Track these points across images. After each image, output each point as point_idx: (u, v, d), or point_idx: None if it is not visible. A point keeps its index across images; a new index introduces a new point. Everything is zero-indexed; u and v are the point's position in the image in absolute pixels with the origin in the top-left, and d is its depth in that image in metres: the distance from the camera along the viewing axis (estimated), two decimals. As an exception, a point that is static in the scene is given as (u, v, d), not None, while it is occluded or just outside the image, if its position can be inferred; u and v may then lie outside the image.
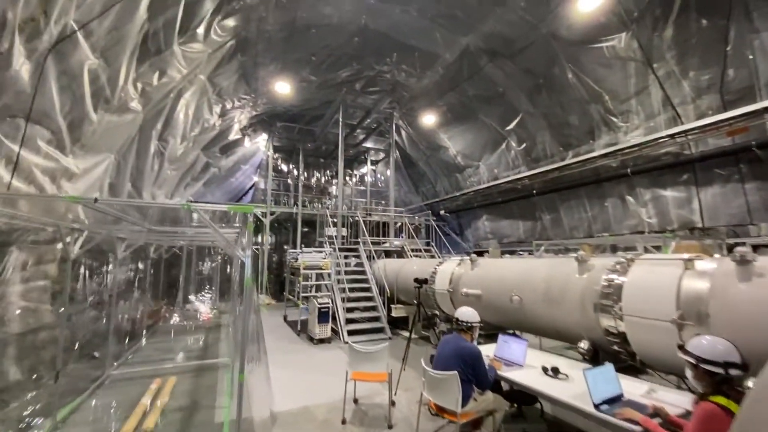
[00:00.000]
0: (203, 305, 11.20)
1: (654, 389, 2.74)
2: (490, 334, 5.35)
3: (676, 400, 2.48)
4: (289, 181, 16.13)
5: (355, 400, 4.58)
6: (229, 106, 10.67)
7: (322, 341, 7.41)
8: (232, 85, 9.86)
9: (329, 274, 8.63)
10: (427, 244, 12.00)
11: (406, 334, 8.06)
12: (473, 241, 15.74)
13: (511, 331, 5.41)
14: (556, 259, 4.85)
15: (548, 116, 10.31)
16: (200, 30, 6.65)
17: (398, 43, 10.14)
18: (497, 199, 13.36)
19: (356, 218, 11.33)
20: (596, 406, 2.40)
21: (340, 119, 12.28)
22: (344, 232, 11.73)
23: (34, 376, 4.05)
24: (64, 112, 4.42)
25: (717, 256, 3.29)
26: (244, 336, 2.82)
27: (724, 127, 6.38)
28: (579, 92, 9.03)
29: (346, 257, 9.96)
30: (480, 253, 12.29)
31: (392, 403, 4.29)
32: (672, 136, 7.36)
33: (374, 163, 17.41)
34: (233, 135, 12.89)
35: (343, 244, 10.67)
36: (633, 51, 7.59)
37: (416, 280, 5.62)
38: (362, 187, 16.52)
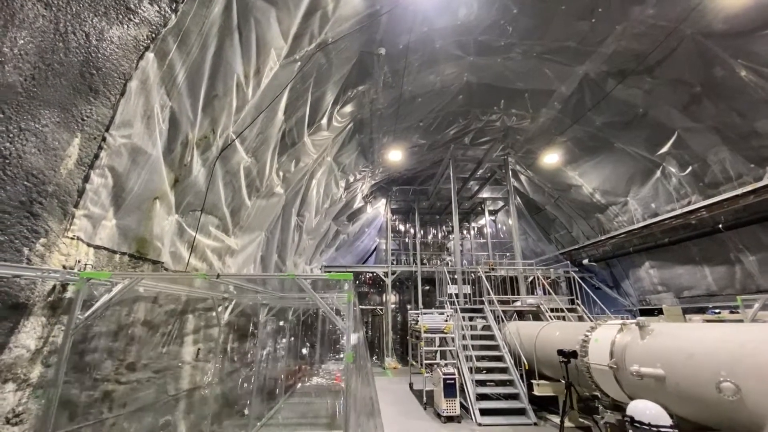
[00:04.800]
0: (334, 366, 11.63)
1: None
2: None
3: None
4: (407, 240, 16.50)
5: None
6: (351, 179, 11.95)
7: (450, 419, 6.52)
8: (353, 161, 11.10)
9: (453, 339, 7.89)
10: (571, 302, 10.04)
11: (556, 419, 6.45)
12: (636, 296, 12.55)
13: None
14: (795, 326, 3.19)
15: (721, 128, 8.02)
16: (324, 121, 7.83)
17: (504, 90, 9.90)
18: (663, 239, 10.59)
19: (478, 274, 10.47)
20: None
21: (452, 174, 12.25)
22: (467, 289, 10.92)
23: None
24: (227, 202, 5.55)
25: None
26: (348, 414, 2.56)
27: None
28: (764, 90, 6.80)
29: (470, 318, 9.07)
30: (649, 312, 9.53)
31: None
32: None
33: (493, 213, 16.45)
34: (357, 203, 14.24)
35: (466, 303, 9.86)
36: None
37: (561, 352, 4.50)
38: (482, 240, 15.57)
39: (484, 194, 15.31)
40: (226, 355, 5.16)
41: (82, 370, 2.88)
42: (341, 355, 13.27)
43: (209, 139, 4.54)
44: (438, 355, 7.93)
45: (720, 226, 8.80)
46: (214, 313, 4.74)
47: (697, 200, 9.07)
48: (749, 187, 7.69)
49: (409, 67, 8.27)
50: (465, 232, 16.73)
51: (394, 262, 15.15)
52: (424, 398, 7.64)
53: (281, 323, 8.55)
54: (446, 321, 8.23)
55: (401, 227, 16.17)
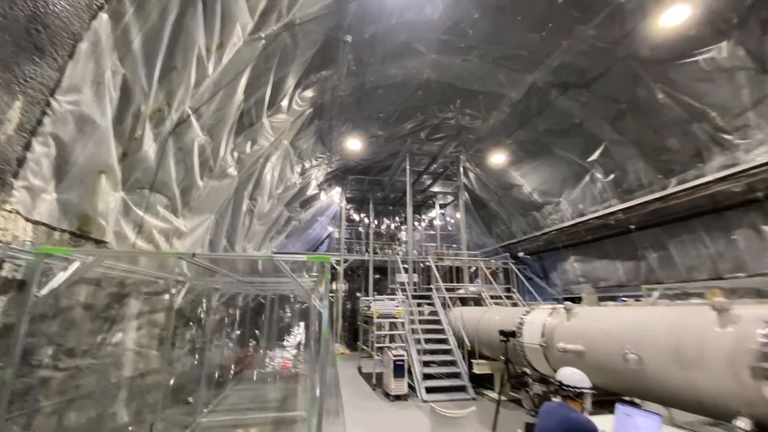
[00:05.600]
0: (284, 353, 11.54)
1: None
2: (598, 401, 4.42)
3: None
4: (361, 229, 16.69)
5: (440, 474, 4.01)
6: (307, 165, 11.73)
7: (398, 398, 6.92)
8: (310, 147, 10.91)
9: (403, 323, 8.30)
10: (508, 290, 11.02)
11: (492, 394, 7.16)
12: (561, 286, 14.08)
13: (628, 399, 4.42)
14: (684, 308, 3.94)
15: (639, 142, 9.25)
16: (284, 103, 7.60)
17: (461, 90, 10.36)
18: (586, 237, 11.99)
19: (427, 263, 11.02)
20: None
21: (407, 167, 12.61)
22: (416, 278, 11.44)
23: (138, 419, 4.40)
24: (178, 181, 5.22)
25: None
26: (322, 395, 2.70)
27: None
28: (675, 112, 8.00)
29: (419, 305, 9.56)
30: (571, 300, 10.83)
31: (485, 482, 3.66)
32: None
33: (443, 206, 17.24)
34: (311, 190, 14.02)
35: (415, 290, 10.34)
36: (740, 59, 6.58)
37: (502, 332, 5.03)
38: (432, 232, 16.29)
39: (436, 188, 15.97)
40: (173, 340, 4.93)
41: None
42: (290, 342, 13.17)
43: (163, 113, 4.24)
44: (388, 339, 8.28)
45: (632, 227, 10.21)
46: (164, 297, 4.50)
47: (616, 204, 10.40)
48: (656, 195, 9.01)
49: (373, 57, 8.32)
50: (416, 223, 17.33)
51: (347, 251, 15.25)
52: (374, 380, 7.97)
53: (231, 309, 8.28)
54: (397, 307, 8.60)
55: (355, 216, 16.28)
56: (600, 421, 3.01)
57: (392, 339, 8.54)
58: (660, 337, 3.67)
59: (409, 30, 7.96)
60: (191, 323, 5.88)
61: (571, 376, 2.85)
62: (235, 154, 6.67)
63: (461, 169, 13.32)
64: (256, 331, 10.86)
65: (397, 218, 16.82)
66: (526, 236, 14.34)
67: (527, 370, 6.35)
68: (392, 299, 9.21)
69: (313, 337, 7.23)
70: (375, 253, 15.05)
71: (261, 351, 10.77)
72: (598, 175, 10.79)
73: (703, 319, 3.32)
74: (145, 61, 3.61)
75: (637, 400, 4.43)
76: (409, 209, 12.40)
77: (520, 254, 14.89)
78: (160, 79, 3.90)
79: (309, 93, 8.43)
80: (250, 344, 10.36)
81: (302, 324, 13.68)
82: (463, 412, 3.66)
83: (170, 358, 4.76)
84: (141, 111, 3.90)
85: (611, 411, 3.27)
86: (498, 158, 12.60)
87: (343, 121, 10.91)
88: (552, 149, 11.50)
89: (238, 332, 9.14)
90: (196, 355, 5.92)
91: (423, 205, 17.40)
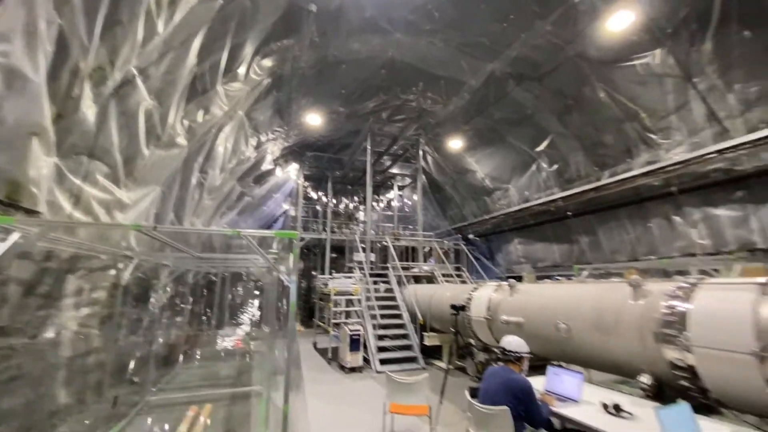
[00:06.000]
0: (236, 331, 11.32)
1: (737, 431, 2.42)
2: (533, 365, 5.01)
3: (770, 448, 2.16)
4: (318, 207, 16.49)
5: (393, 435, 4.35)
6: (263, 138, 11.23)
7: (353, 370, 7.22)
8: (267, 119, 10.43)
9: (359, 300, 8.54)
10: (458, 269, 11.70)
11: (440, 364, 7.74)
12: (505, 266, 15.20)
13: (557, 363, 5.05)
14: (606, 284, 4.54)
15: (580, 136, 10.08)
16: (241, 70, 7.15)
17: (424, 73, 10.43)
18: (529, 221, 12.97)
19: (385, 243, 11.30)
20: (674, 452, 2.13)
21: (368, 147, 12.58)
22: (373, 257, 11.70)
23: (81, 400, 4.17)
24: (121, 148, 4.79)
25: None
26: (290, 364, 2.78)
27: (781, 140, 5.95)
28: (612, 111, 8.80)
29: (375, 282, 9.85)
30: (514, 278, 11.83)
31: (432, 440, 4.04)
32: (720, 151, 6.94)
33: (401, 188, 17.55)
34: (266, 165, 13.48)
35: (372, 269, 10.60)
36: (669, 67, 7.37)
37: (453, 306, 5.43)
38: (389, 212, 16.60)
39: (395, 170, 16.16)
40: (118, 319, 4.64)
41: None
42: (243, 320, 12.92)
43: (105, 72, 3.83)
44: (344, 315, 8.49)
45: (569, 213, 11.24)
46: (109, 273, 4.20)
47: (557, 192, 11.35)
48: (591, 186, 9.97)
49: (338, 30, 8.06)
50: (375, 204, 17.49)
51: (303, 230, 15.05)
52: (329, 354, 8.19)
53: (181, 287, 7.90)
54: (354, 285, 8.79)
55: (313, 194, 16.00)
56: (534, 380, 3.45)
57: (348, 315, 8.76)
58: (585, 310, 4.22)
59: (376, 5, 7.79)
60: (138, 301, 5.55)
61: (512, 342, 3.22)
62: (186, 123, 6.21)
63: (421, 153, 13.58)
64: (208, 309, 10.50)
65: (355, 198, 16.83)
66: (477, 219, 15.17)
67: (472, 341, 6.94)
68: (349, 277, 9.37)
69: (270, 314, 7.21)
70: (332, 232, 15.03)
71: (212, 329, 10.47)
72: (544, 165, 11.63)
73: (620, 294, 3.87)
74: (86, 11, 3.22)
75: (563, 364, 5.09)
76: (369, 189, 12.48)
77: (471, 236, 15.75)
78: (102, 33, 3.50)
79: (268, 62, 8.00)
80: (201, 322, 10.02)
81: (256, 302, 13.44)
82: (417, 378, 3.96)
83: (115, 336, 4.51)
84: (79, 68, 3.50)
85: (543, 373, 3.75)
86: (455, 143, 13.01)
87: (303, 94, 10.53)
88: (505, 138, 12.12)
89: (189, 310, 8.78)
90: (143, 334, 5.65)
91: (382, 185, 17.56)
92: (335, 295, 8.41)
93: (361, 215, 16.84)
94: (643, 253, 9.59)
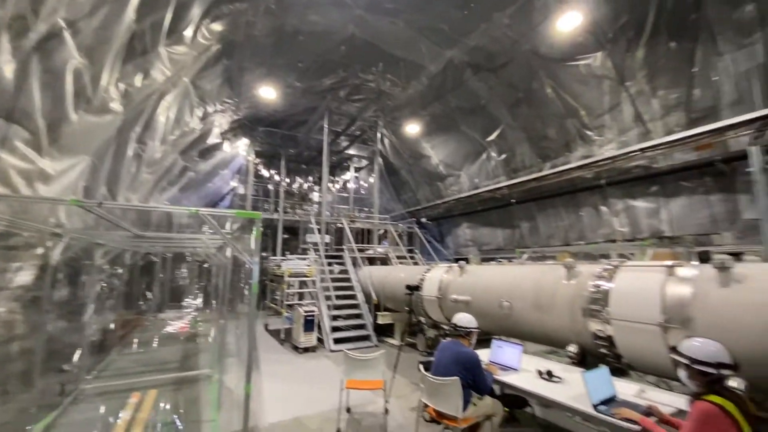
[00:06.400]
0: (179, 314, 10.72)
1: (644, 389, 2.90)
2: (479, 340, 5.46)
3: (665, 400, 2.64)
4: (270, 186, 15.85)
5: (348, 410, 4.53)
6: (211, 109, 10.43)
7: (307, 350, 7.28)
8: (215, 89, 9.67)
9: (314, 282, 8.52)
10: (411, 251, 12.10)
11: (391, 341, 8.08)
12: (453, 248, 16.01)
13: (499, 337, 5.54)
14: (544, 266, 5.03)
15: (527, 129, 10.75)
16: (187, 32, 6.51)
17: (384, 53, 10.30)
18: (477, 207, 13.70)
19: (340, 225, 11.29)
20: (595, 407, 2.51)
21: (326, 126, 12.27)
22: (327, 238, 11.64)
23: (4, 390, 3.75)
24: (44, 112, 4.19)
25: (693, 262, 3.53)
26: (252, 344, 2.75)
27: (690, 142, 6.89)
28: (557, 107, 9.48)
29: (330, 264, 9.87)
30: (460, 260, 12.55)
31: (386, 411, 4.28)
32: (642, 150, 7.85)
33: (357, 170, 17.44)
34: (213, 139, 12.58)
35: (326, 251, 10.57)
36: (607, 69, 8.09)
37: (408, 287, 5.66)
38: (345, 194, 16.48)
39: (352, 151, 15.97)
40: (47, 302, 4.17)
41: None
42: (185, 303, 12.23)
43: (26, 22, 3.29)
44: (298, 296, 8.44)
45: (513, 200, 12.06)
46: (36, 252, 3.73)
47: (504, 180, 12.09)
48: (534, 176, 10.77)
49: (297, -1, 7.62)
50: (330, 185, 17.23)
51: (253, 209, 14.42)
52: (282, 335, 8.14)
53: (117, 268, 7.25)
54: (308, 266, 8.73)
55: (265, 172, 15.29)
56: (481, 352, 3.78)
57: (301, 296, 8.72)
58: (525, 289, 4.65)
59: (338, -23, 7.47)
60: (70, 283, 5.01)
61: (463, 319, 3.49)
62: (121, 86, 5.56)
63: (379, 135, 13.55)
64: (148, 292, 9.77)
65: (310, 178, 16.41)
66: (430, 204, 15.68)
67: (422, 319, 7.33)
68: (303, 259, 9.28)
69: (219, 296, 6.92)
70: (285, 212, 14.60)
71: (153, 313, 9.79)
72: (493, 154, 12.27)
73: (556, 275, 4.33)
74: (-2, -57, 2.71)
75: (503, 338, 5.61)
76: (325, 169, 12.25)
77: (423, 220, 16.27)
78: (20, -27, 2.99)
79: (218, 26, 7.36)
80: (141, 306, 9.33)
81: (204, 283, 12.77)
82: (374, 354, 4.13)
83: (41, 321, 4.06)
84: (-9, 13, 2.97)
85: (488, 346, 4.12)
86: (413, 128, 13.17)
87: (256, 64, 9.89)
88: (459, 126, 12.52)
89: (126, 293, 8.11)
90: (75, 319, 5.15)
91: (338, 166, 17.29)
92: (289, 276, 8.29)
93: (315, 196, 16.52)
94: (574, 239, 10.68)
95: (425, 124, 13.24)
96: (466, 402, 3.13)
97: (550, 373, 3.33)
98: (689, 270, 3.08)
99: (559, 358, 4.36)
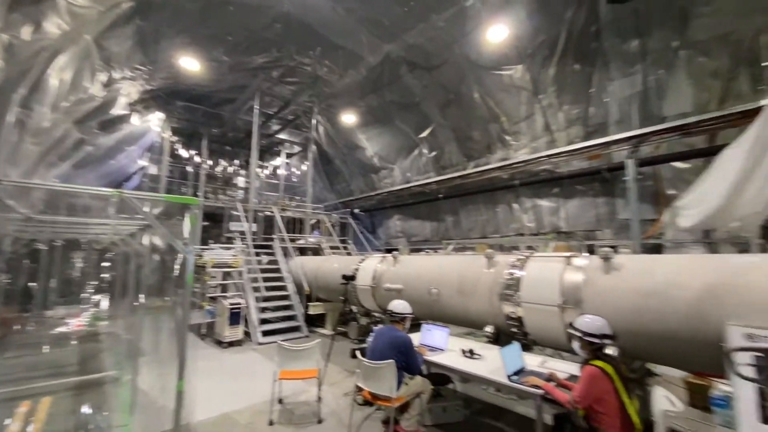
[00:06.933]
0: (73, 311, 9.22)
1: (546, 360, 3.45)
2: (411, 325, 5.83)
3: (561, 368, 3.19)
4: (189, 168, 14.40)
5: (280, 401, 4.49)
6: (117, 75, 9.07)
7: (232, 344, 6.94)
8: (124, 52, 8.42)
9: (240, 273, 8.10)
10: (344, 241, 12.17)
11: (322, 331, 8.13)
12: (384, 239, 16.49)
13: (429, 321, 5.98)
14: (468, 257, 5.55)
15: (456, 129, 11.51)
16: (92, -19, 5.56)
17: (323, 38, 10.04)
18: (408, 200, 14.29)
19: (270, 213, 10.82)
20: (509, 377, 2.93)
21: (256, 107, 11.54)
22: (255, 227, 11.09)
23: None
24: None
25: (585, 254, 4.26)
26: (182, 337, 2.55)
27: (585, 152, 8.14)
28: (482, 111, 10.33)
29: (257, 254, 9.44)
30: (391, 251, 13.04)
31: (319, 399, 4.36)
32: (549, 156, 9.03)
33: (289, 156, 16.77)
34: (118, 110, 10.97)
35: (254, 240, 10.08)
36: (525, 82, 9.06)
37: (345, 276, 5.75)
38: (275, 181, 15.72)
39: (284, 136, 15.28)
40: None
41: None
42: (83, 298, 10.58)
43: None
44: (221, 288, 7.94)
45: (440, 195, 12.87)
46: None
47: (433, 176, 12.81)
48: (459, 173, 11.62)
49: (229, -35, 6.98)
50: (259, 170, 16.28)
51: (168, 192, 12.98)
52: (202, 330, 7.60)
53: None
54: (234, 256, 8.25)
55: (183, 152, 13.78)
56: (412, 336, 4.07)
57: (225, 288, 8.21)
58: (451, 277, 5.10)
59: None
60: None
61: (398, 305, 3.73)
62: (4, 38, 4.56)
63: (314, 122, 13.19)
64: (31, 284, 8.22)
65: (236, 161, 15.28)
66: (363, 195, 15.86)
67: (354, 308, 7.51)
68: (228, 248, 8.73)
69: (127, 289, 6.15)
70: (206, 197, 13.43)
71: (40, 309, 8.26)
72: (425, 151, 12.89)
73: (478, 264, 4.83)
74: None
75: (429, 321, 6.07)
76: (254, 153, 11.54)
77: (356, 210, 16.41)
78: None
79: (132, -20, 6.42)
80: (24, 302, 7.80)
81: (107, 275, 11.14)
82: (310, 344, 4.16)
83: None
84: None
85: (419, 330, 4.44)
86: (349, 118, 13.11)
87: (177, 31, 8.86)
88: (394, 120, 12.84)
89: (5, 287, 6.72)
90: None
91: (268, 151, 16.38)
92: (212, 267, 7.74)
93: (241, 181, 15.49)
94: (491, 232, 11.85)
95: (361, 114, 13.29)
96: (399, 383, 3.37)
97: (471, 352, 3.75)
98: (582, 260, 3.72)
99: (477, 339, 4.90)
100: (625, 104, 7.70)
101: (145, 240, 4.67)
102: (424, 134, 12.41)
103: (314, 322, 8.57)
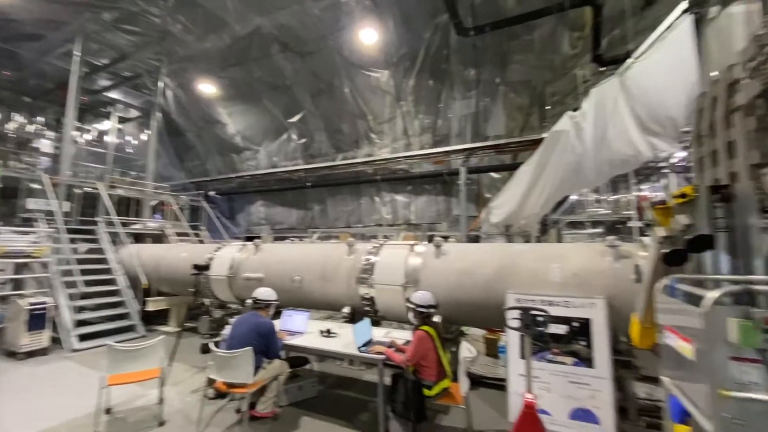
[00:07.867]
0: None
1: (390, 331, 4.08)
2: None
3: (401, 336, 3.85)
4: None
5: (108, 411, 3.86)
6: None
7: (32, 354, 5.44)
8: None
9: (45, 265, 6.33)
10: (195, 227, 10.83)
11: (165, 328, 7.17)
12: (245, 226, 15.45)
13: (291, 308, 6.05)
14: (331, 245, 5.88)
15: (326, 119, 11.74)
16: None
17: (178, -11, 8.63)
18: (274, 186, 13.78)
19: (93, 189, 8.71)
20: (359, 348, 3.38)
21: (77, 53, 8.98)
22: (68, 206, 8.76)
23: None
24: None
25: (425, 242, 5.16)
26: None
27: (432, 157, 9.62)
28: (351, 106, 10.86)
29: (73, 241, 7.53)
30: (251, 239, 12.32)
31: (160, 401, 3.95)
32: (405, 157, 10.27)
33: (123, 121, 13.64)
34: None
35: (68, 222, 7.98)
36: (390, 87, 9.99)
37: (196, 266, 5.24)
38: (100, 150, 12.53)
39: (116, 95, 12.32)
40: None
41: None
42: None
43: None
44: (13, 284, 6.05)
45: (308, 183, 12.92)
46: None
47: (301, 164, 12.74)
48: (328, 164, 11.94)
49: None
50: (77, 132, 12.62)
51: None
52: (-21, 341, 5.65)
53: None
54: (36, 243, 6.38)
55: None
56: (274, 322, 4.14)
57: (21, 284, 6.29)
58: (315, 264, 5.34)
59: None
60: None
61: (263, 293, 3.74)
62: None
63: (160, 84, 11.14)
64: None
65: (40, 118, 11.46)
66: (222, 176, 14.42)
67: (207, 301, 6.92)
68: (26, 233, 6.69)
69: None
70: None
71: None
72: (294, 137, 12.67)
73: (340, 251, 5.21)
74: None
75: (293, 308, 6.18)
76: (71, 112, 8.96)
77: (212, 193, 14.77)
78: None
79: None
80: None
81: None
82: (151, 342, 3.71)
83: None
84: None
85: (280, 317, 4.52)
86: (207, 87, 11.67)
87: None
88: (262, 99, 12.13)
89: None
90: None
91: (91, 111, 12.87)
92: (3, 258, 5.80)
93: (46, 144, 11.82)
94: (354, 222, 12.65)
95: (224, 87, 12.02)
96: (258, 368, 3.42)
97: (329, 331, 4.09)
98: (421, 247, 4.53)
99: (336, 320, 5.31)
100: (463, 121, 9.44)
101: None
102: (294, 119, 12.17)
103: (154, 319, 7.45)
